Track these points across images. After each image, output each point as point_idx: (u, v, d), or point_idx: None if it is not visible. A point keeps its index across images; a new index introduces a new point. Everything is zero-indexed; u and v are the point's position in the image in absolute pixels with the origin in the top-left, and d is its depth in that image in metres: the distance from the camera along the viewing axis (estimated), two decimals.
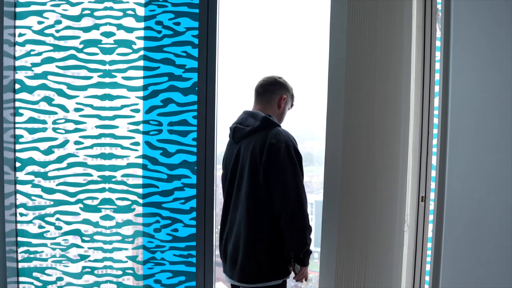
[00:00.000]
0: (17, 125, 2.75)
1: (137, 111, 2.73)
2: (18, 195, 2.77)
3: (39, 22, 2.73)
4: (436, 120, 2.35)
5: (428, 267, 2.48)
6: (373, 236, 2.32)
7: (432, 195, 2.39)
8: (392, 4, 2.29)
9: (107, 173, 2.75)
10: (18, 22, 2.73)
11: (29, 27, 2.73)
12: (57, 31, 2.73)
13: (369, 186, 2.30)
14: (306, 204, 2.17)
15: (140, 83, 2.73)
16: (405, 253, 2.53)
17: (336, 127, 2.27)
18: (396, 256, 2.41)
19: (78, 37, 2.73)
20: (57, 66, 2.74)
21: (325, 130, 2.32)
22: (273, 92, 2.36)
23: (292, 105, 2.46)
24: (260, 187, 2.19)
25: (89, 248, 2.78)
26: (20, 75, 2.74)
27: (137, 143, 2.74)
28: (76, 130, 2.75)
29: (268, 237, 2.20)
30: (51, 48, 2.74)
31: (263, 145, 2.19)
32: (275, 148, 2.16)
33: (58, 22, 2.73)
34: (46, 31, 2.73)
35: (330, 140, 2.30)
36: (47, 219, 2.77)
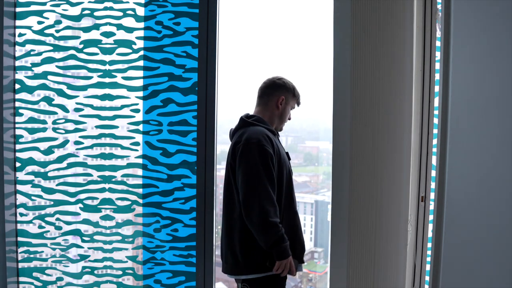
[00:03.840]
0: (17, 125, 2.75)
1: (137, 111, 2.73)
2: (18, 195, 2.77)
3: (39, 22, 2.73)
4: (436, 120, 2.35)
5: (428, 267, 2.48)
6: (381, 236, 2.32)
7: (432, 195, 2.39)
8: (393, 4, 2.29)
9: (107, 173, 2.75)
10: (18, 22, 2.73)
11: (29, 27, 2.73)
12: (57, 31, 2.73)
13: (376, 186, 2.31)
14: (258, 199, 2.17)
15: (140, 83, 2.73)
16: (406, 254, 2.53)
17: (344, 127, 2.28)
18: (401, 256, 2.41)
19: (78, 37, 2.73)
20: (57, 66, 2.74)
21: (332, 131, 2.32)
22: (271, 94, 2.40)
23: (298, 103, 2.47)
24: (231, 183, 2.29)
25: (89, 248, 2.78)
26: (20, 75, 2.74)
27: (137, 143, 2.74)
28: (76, 130, 2.75)
29: (242, 230, 2.26)
30: (51, 48, 2.74)
31: (232, 144, 2.32)
32: (238, 146, 2.26)
33: (58, 22, 2.73)
34: (46, 31, 2.73)
35: (337, 142, 2.30)
36: (47, 219, 2.77)
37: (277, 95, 2.39)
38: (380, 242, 2.31)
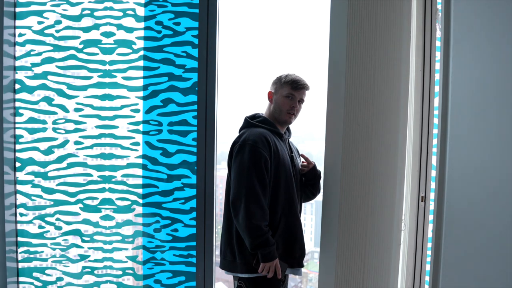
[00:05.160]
0: (17, 125, 2.75)
1: (137, 111, 2.73)
2: (18, 195, 2.77)
3: (39, 22, 2.73)
4: (436, 120, 2.35)
5: (428, 267, 2.48)
6: (372, 235, 2.31)
7: (432, 195, 2.39)
8: (392, 4, 2.29)
9: (107, 173, 2.75)
10: (18, 22, 2.73)
11: (29, 27, 2.73)
12: (57, 31, 2.73)
13: (368, 185, 2.30)
14: (245, 200, 2.18)
15: (140, 83, 2.73)
16: (404, 253, 2.53)
17: (336, 127, 2.27)
18: (394, 256, 2.41)
19: (78, 37, 2.73)
20: (57, 66, 2.74)
21: (325, 130, 2.31)
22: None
23: (294, 87, 2.34)
24: (229, 183, 2.32)
25: (89, 248, 2.78)
26: (20, 75, 2.74)
27: (137, 143, 2.74)
28: (76, 130, 2.75)
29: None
30: (51, 48, 2.74)
31: (232, 143, 2.34)
32: (235, 146, 2.30)
33: (58, 22, 2.73)
34: (46, 31, 2.73)
35: (330, 140, 2.30)
36: (47, 219, 2.77)
37: (268, 92, 2.42)
38: (371, 241, 2.30)
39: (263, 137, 2.26)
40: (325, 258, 2.30)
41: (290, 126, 2.48)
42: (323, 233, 2.31)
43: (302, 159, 2.49)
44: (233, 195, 2.22)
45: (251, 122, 2.36)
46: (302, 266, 2.42)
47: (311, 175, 2.46)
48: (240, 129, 2.39)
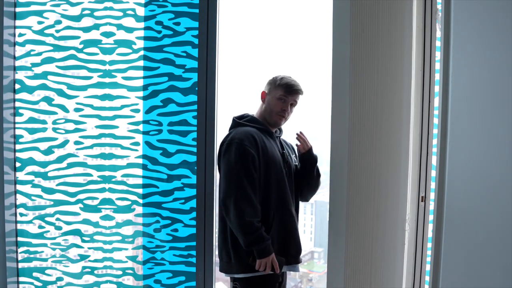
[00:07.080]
0: (17, 125, 2.75)
1: (137, 111, 2.73)
2: (18, 195, 2.77)
3: (39, 22, 2.73)
4: (436, 120, 2.35)
5: (428, 267, 2.48)
6: (378, 236, 2.32)
7: (432, 195, 2.39)
8: (393, 4, 2.29)
9: (107, 173, 2.75)
10: (18, 22, 2.73)
11: (29, 27, 2.73)
12: (57, 31, 2.73)
13: (374, 185, 2.31)
14: (235, 199, 2.20)
15: (140, 83, 2.73)
16: (405, 253, 2.54)
17: (342, 127, 2.28)
18: (399, 256, 2.41)
19: (78, 37, 2.73)
20: (57, 66, 2.74)
21: (330, 131, 2.32)
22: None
23: (288, 91, 2.39)
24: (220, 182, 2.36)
25: (89, 248, 2.78)
26: (20, 75, 2.74)
27: (137, 143, 2.74)
28: (76, 130, 2.75)
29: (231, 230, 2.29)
30: (51, 48, 2.74)
31: (220, 144, 2.40)
32: (223, 146, 2.35)
33: (58, 22, 2.73)
34: (46, 31, 2.73)
35: (335, 141, 2.30)
36: (47, 219, 2.77)
37: (262, 92, 2.46)
38: (377, 242, 2.31)
39: (250, 135, 2.30)
40: (333, 259, 2.30)
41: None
42: (331, 234, 2.31)
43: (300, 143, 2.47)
44: (223, 194, 2.25)
45: (238, 122, 2.41)
46: (299, 262, 2.43)
47: (307, 156, 2.45)
48: (228, 129, 2.45)
